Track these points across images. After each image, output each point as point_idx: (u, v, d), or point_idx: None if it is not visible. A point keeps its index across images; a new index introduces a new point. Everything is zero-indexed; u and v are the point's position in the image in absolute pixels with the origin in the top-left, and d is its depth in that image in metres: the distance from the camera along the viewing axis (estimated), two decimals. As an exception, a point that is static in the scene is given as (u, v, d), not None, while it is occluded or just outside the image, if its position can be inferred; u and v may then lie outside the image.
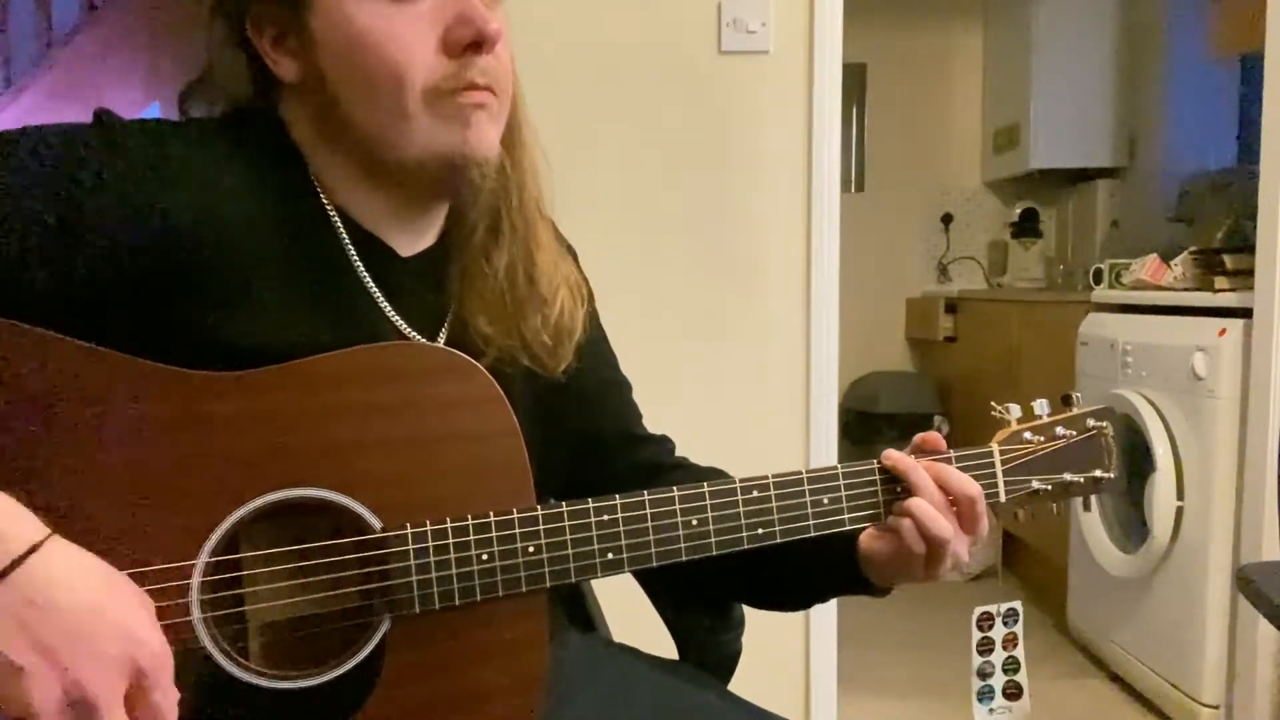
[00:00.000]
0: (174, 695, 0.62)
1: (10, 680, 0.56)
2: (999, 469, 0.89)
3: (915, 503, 0.82)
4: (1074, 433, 0.92)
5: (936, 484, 0.84)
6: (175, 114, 0.83)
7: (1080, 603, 2.77)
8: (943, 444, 0.88)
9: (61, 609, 0.57)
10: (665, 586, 1.00)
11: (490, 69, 0.77)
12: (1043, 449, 0.91)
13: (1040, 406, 0.92)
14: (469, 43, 0.75)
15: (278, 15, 0.77)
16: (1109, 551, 2.50)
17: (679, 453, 1.01)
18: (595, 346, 0.94)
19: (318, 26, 0.75)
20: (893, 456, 0.85)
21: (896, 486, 0.85)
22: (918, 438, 0.89)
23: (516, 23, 0.82)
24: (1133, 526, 2.46)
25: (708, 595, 0.99)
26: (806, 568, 0.90)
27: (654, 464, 0.97)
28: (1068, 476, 0.91)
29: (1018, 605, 0.96)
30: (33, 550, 0.57)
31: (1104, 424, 0.93)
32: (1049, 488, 0.90)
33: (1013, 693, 0.95)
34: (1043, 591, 3.09)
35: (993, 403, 0.92)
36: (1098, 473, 0.92)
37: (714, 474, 0.95)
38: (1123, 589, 2.48)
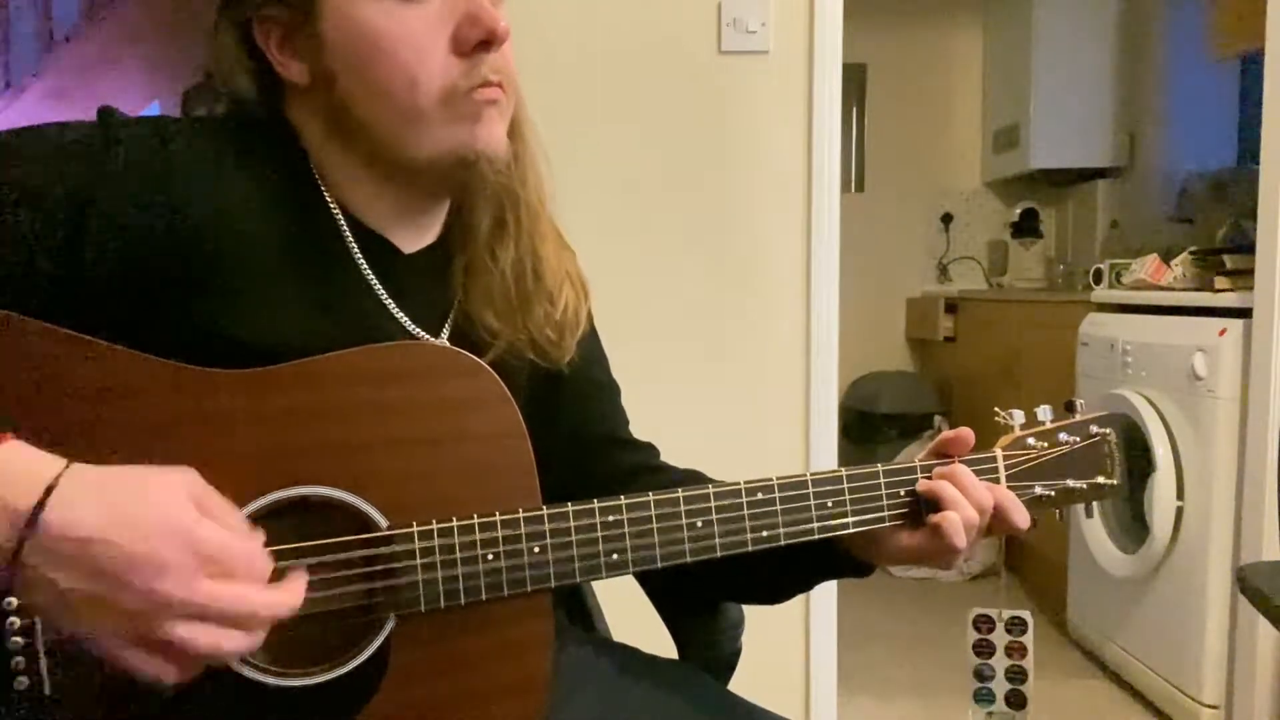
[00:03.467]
0: (259, 559, 0.63)
1: (99, 612, 0.58)
2: (1002, 474, 0.89)
3: (949, 516, 0.83)
4: (1077, 439, 0.92)
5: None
6: (176, 113, 0.83)
7: (1080, 603, 2.77)
8: (970, 441, 0.88)
9: (107, 537, 0.57)
10: (665, 586, 1.00)
11: (499, 66, 0.78)
12: (1046, 455, 0.91)
13: (1044, 412, 0.92)
14: (479, 41, 0.76)
15: (285, 18, 0.77)
16: (1109, 551, 2.50)
17: (675, 454, 1.00)
18: (588, 346, 0.94)
19: (326, 29, 0.75)
20: (925, 485, 0.85)
21: (900, 490, 0.85)
22: (949, 435, 0.88)
23: (517, 23, 0.82)
24: (1133, 526, 2.46)
25: (701, 592, 0.99)
26: (793, 556, 0.89)
27: (634, 468, 0.96)
28: (1071, 483, 0.91)
29: (1026, 615, 0.95)
30: (49, 491, 0.57)
31: (1107, 430, 0.93)
32: (1052, 494, 0.90)
33: (1016, 702, 0.95)
34: (1043, 591, 3.09)
35: (996, 408, 0.92)
36: (1101, 479, 0.92)
37: (691, 477, 0.95)
38: (1123, 589, 2.48)
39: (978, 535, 0.85)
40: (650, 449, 1.00)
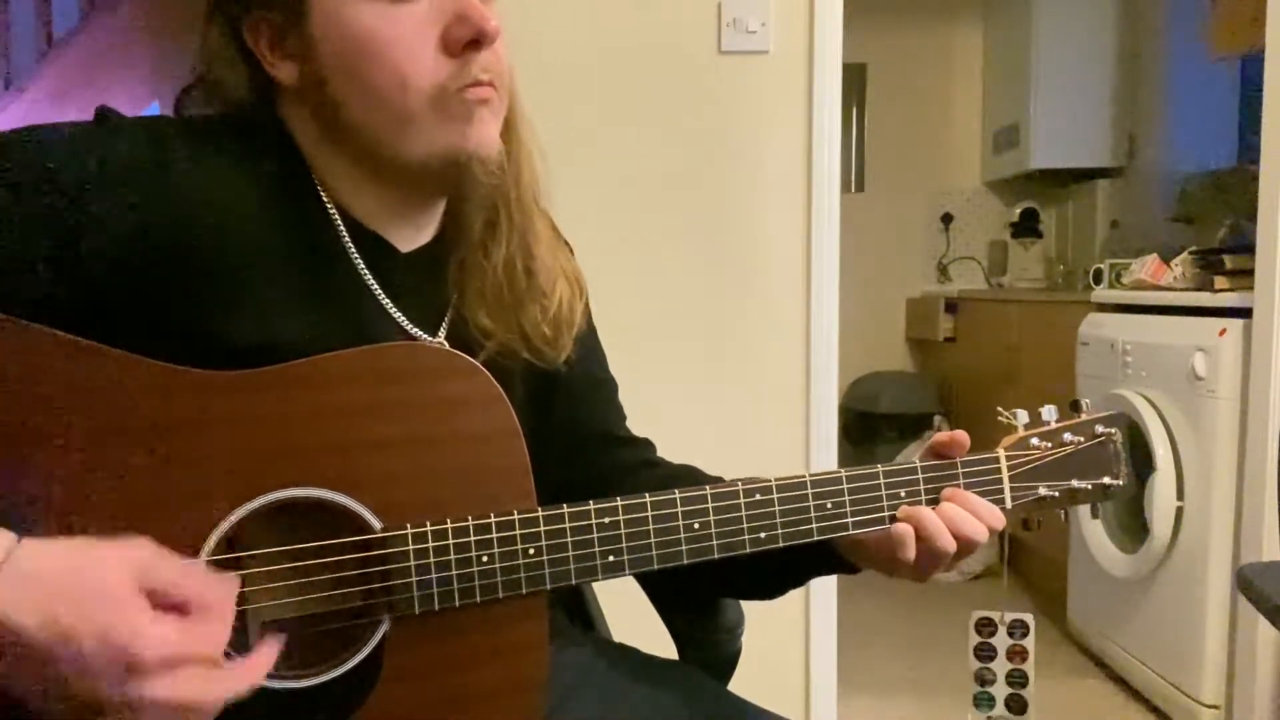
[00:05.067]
0: (210, 643, 0.60)
1: (38, 699, 0.57)
2: (1005, 475, 0.88)
3: (923, 515, 0.82)
4: (1082, 439, 0.91)
5: (949, 527, 0.83)
6: (173, 113, 0.83)
7: (1080, 603, 2.77)
8: (965, 445, 0.87)
9: (39, 640, 0.56)
10: (665, 587, 1.00)
11: (490, 64, 0.77)
12: (1050, 455, 0.90)
13: (1048, 412, 0.91)
14: (469, 40, 0.75)
15: (275, 19, 0.76)
16: (1109, 551, 2.50)
17: (675, 454, 1.00)
18: (586, 342, 0.94)
19: (316, 30, 0.75)
20: (905, 511, 0.84)
21: (900, 491, 0.85)
22: (946, 437, 0.88)
23: (516, 23, 0.82)
24: (1133, 526, 2.46)
25: (698, 589, 0.98)
26: (789, 554, 0.89)
27: (630, 465, 0.96)
28: (1075, 483, 0.90)
29: (1028, 618, 0.95)
30: None
31: (1113, 430, 0.92)
32: (1056, 494, 0.90)
33: (1017, 706, 0.94)
34: (1043, 591, 3.09)
35: (999, 408, 0.92)
36: (1106, 480, 0.91)
37: (686, 472, 0.95)
38: (1123, 589, 2.48)
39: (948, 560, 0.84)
40: (646, 445, 1.00)
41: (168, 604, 0.60)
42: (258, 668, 0.63)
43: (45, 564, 0.58)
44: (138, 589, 0.59)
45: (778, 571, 0.91)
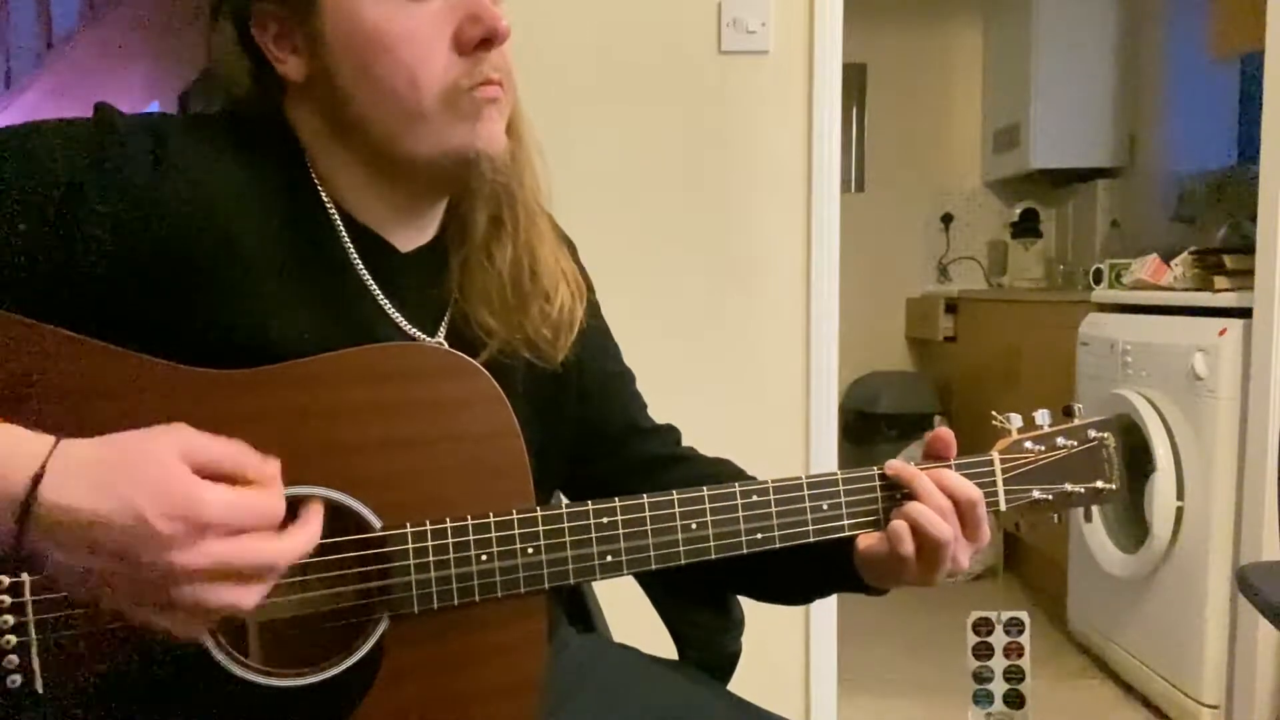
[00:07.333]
0: (268, 506, 0.62)
1: (108, 583, 0.58)
2: (999, 478, 0.88)
3: (912, 505, 0.82)
4: (1075, 443, 0.91)
5: (938, 488, 0.83)
6: (174, 112, 0.83)
7: (1080, 603, 2.77)
8: (953, 444, 0.87)
9: (101, 518, 0.57)
10: (665, 586, 1.00)
11: (499, 64, 0.78)
12: (1043, 459, 0.90)
13: (1042, 416, 0.92)
14: (481, 39, 0.76)
15: (283, 14, 0.76)
16: (1109, 552, 2.50)
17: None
18: (596, 338, 0.94)
19: (326, 26, 0.75)
20: (894, 466, 0.84)
21: (897, 493, 0.85)
22: (929, 436, 0.88)
23: (517, 23, 0.82)
24: (1133, 526, 2.46)
25: (706, 590, 0.99)
26: (804, 566, 0.89)
27: (660, 456, 0.96)
28: (1068, 487, 0.91)
29: (1023, 615, 0.95)
30: (36, 481, 0.57)
31: (1105, 435, 0.93)
32: (1049, 498, 0.90)
33: (1014, 701, 0.95)
34: (1043, 592, 3.09)
35: (994, 412, 0.92)
36: (1099, 484, 0.92)
37: (720, 465, 0.95)
38: (1123, 589, 2.48)
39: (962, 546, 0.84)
40: (671, 432, 1.00)
41: (216, 477, 0.61)
42: (311, 530, 0.65)
43: (92, 450, 0.59)
44: (185, 464, 0.60)
45: (807, 577, 0.91)
